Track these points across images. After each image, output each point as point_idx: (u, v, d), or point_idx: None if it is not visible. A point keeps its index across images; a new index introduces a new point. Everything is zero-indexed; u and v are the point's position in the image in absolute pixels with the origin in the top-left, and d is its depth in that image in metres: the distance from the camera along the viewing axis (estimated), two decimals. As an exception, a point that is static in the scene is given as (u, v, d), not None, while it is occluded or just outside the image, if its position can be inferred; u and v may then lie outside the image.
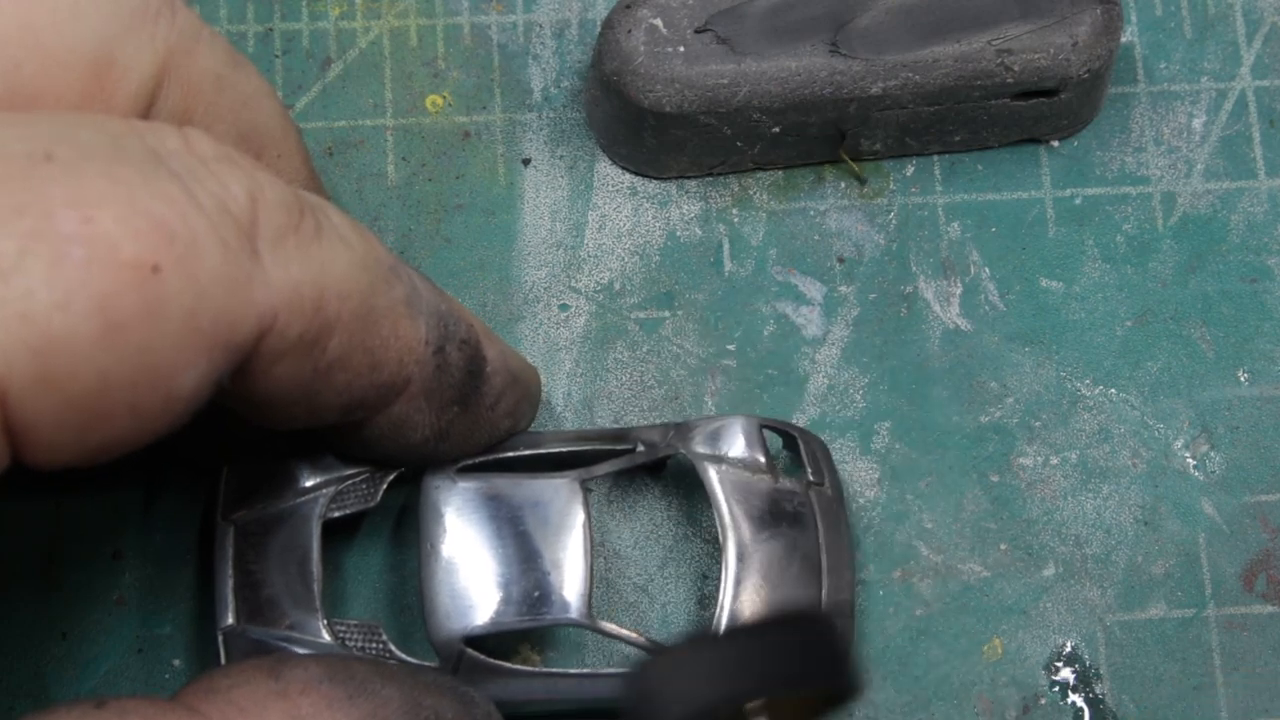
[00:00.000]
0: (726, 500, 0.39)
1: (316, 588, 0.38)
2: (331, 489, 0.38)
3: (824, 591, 0.39)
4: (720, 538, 0.38)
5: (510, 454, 0.39)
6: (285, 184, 0.30)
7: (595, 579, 0.40)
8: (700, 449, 0.39)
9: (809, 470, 0.40)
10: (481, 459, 0.39)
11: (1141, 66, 0.46)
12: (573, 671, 0.39)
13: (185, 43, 0.31)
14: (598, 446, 0.40)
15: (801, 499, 0.39)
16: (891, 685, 0.41)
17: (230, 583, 0.38)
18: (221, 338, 0.27)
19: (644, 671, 0.33)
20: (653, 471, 0.42)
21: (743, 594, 0.38)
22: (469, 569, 0.38)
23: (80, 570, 0.40)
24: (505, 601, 0.38)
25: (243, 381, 0.30)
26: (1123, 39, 0.45)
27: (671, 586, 0.42)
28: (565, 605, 0.38)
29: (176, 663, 0.40)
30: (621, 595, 0.41)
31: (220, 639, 0.38)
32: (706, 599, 0.41)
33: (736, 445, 0.39)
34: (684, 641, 0.35)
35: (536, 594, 0.38)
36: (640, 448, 0.40)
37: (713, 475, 0.39)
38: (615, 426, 0.42)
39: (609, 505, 0.42)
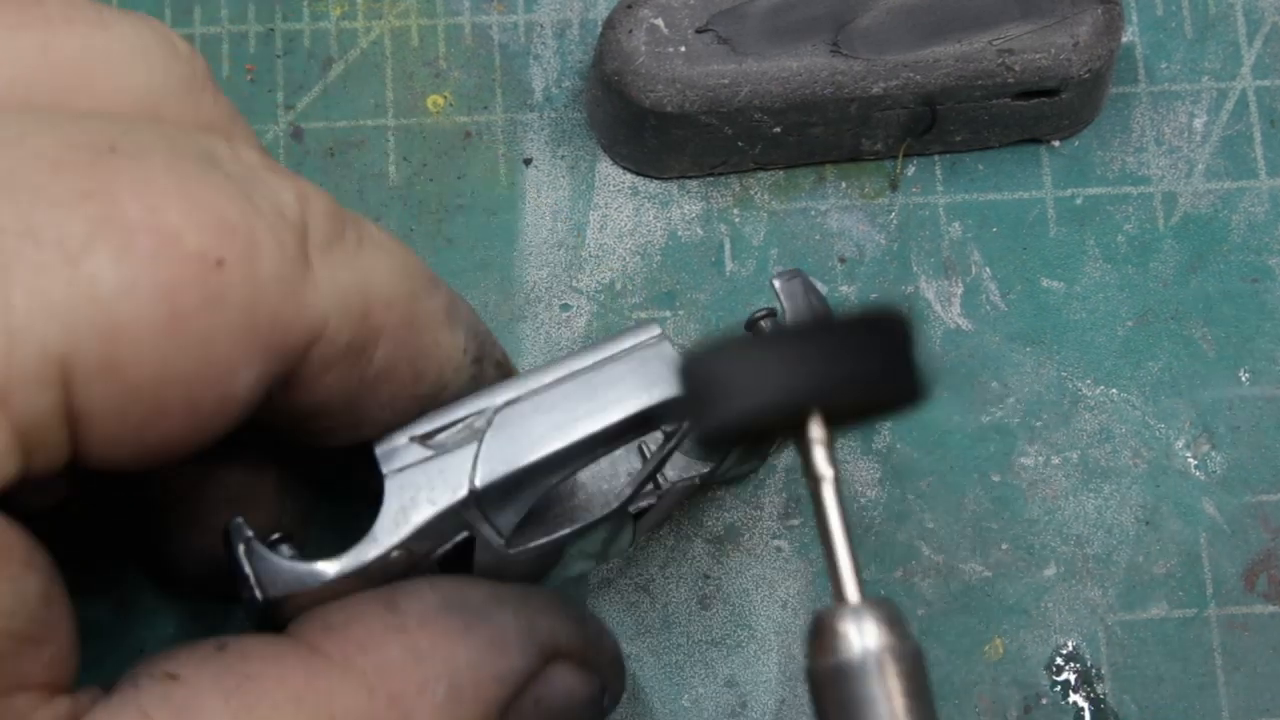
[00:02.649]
0: None
1: None
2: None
3: None
4: None
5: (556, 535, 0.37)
6: (328, 195, 0.30)
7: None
8: None
9: None
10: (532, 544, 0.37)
11: (1142, 66, 0.46)
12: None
13: (225, 125, 0.32)
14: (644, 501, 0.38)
15: None
16: (893, 685, 0.41)
17: None
18: (277, 339, 0.28)
19: (700, 363, 0.29)
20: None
21: None
22: None
23: (81, 571, 0.40)
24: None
25: (291, 392, 0.30)
26: (1124, 39, 0.45)
27: (672, 586, 0.42)
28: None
29: (178, 663, 0.40)
30: (622, 595, 0.41)
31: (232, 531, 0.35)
32: (707, 598, 0.41)
33: None
34: (745, 336, 0.30)
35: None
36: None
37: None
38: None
39: None
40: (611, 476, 0.38)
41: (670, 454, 0.37)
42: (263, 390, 0.28)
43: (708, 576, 0.42)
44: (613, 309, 0.43)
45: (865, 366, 0.30)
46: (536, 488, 0.35)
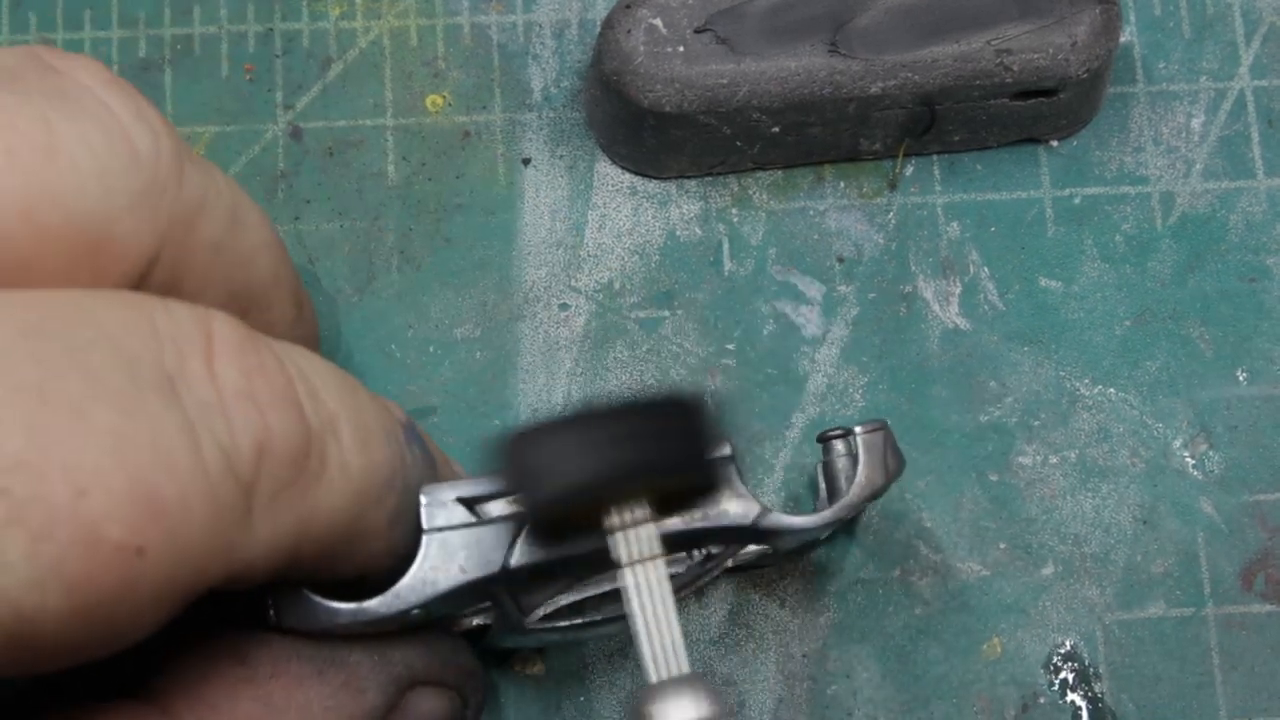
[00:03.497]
0: None
1: None
2: None
3: None
4: None
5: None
6: (298, 418, 0.28)
7: None
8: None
9: None
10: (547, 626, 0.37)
11: (1140, 66, 0.46)
12: None
13: (187, 215, 0.29)
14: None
15: None
16: (891, 684, 0.41)
17: None
18: (187, 597, 0.26)
19: (518, 442, 0.30)
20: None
21: None
22: None
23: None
24: None
25: None
26: (1121, 39, 0.45)
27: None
28: None
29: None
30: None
31: None
32: (705, 597, 0.41)
33: None
34: (562, 416, 0.31)
35: None
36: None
37: None
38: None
39: None
40: None
41: (714, 574, 0.36)
42: (164, 624, 0.27)
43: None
44: (611, 309, 0.43)
45: (669, 451, 0.30)
46: (570, 578, 0.34)
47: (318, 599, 0.33)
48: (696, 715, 0.29)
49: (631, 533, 0.31)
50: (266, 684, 0.31)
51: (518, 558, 0.33)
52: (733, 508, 0.35)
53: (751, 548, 0.38)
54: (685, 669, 0.30)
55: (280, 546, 0.28)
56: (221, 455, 0.26)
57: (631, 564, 0.31)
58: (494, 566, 0.33)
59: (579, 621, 0.37)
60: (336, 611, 0.33)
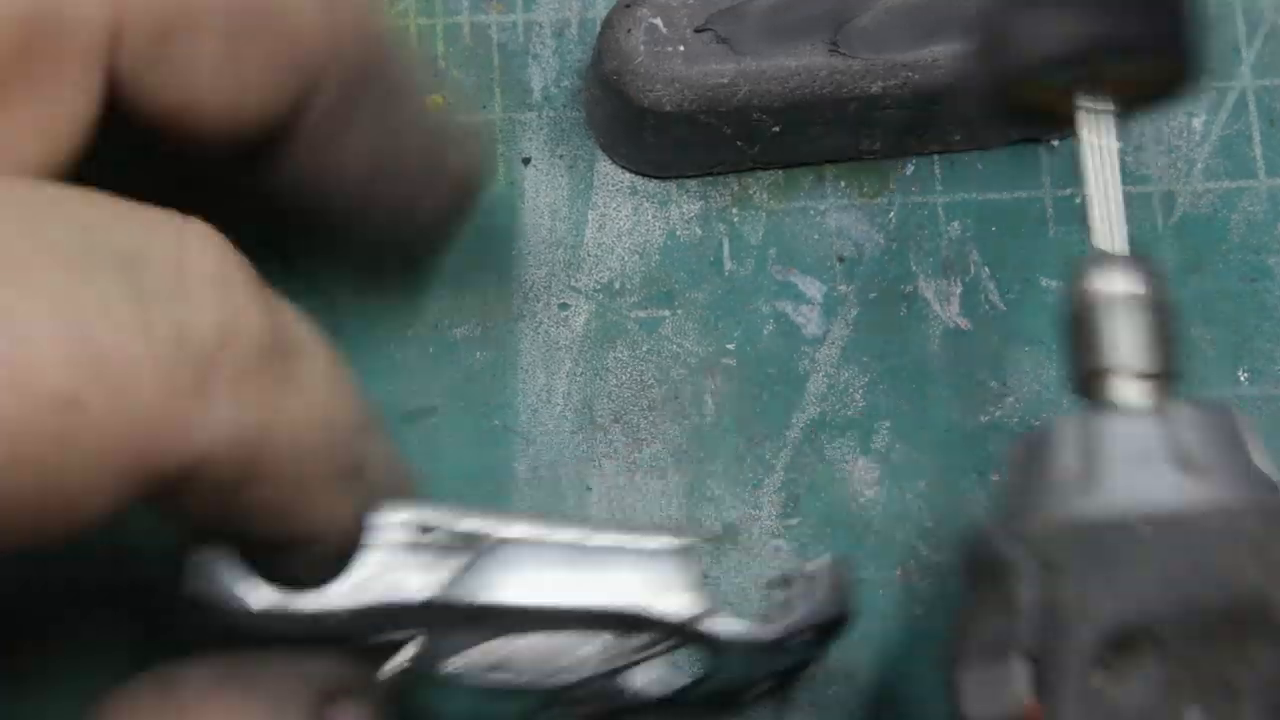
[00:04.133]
0: None
1: None
2: None
3: None
4: None
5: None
6: (270, 319, 0.28)
7: None
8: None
9: None
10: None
11: (1141, 66, 0.46)
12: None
13: None
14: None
15: None
16: (891, 685, 0.41)
17: None
18: (141, 472, 0.26)
19: (1003, 9, 0.31)
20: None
21: None
22: None
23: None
24: None
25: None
26: (1122, 39, 0.45)
27: (671, 586, 0.42)
28: None
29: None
30: (621, 594, 0.41)
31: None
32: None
33: None
34: None
35: None
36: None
37: None
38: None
39: None
40: (580, 645, 0.37)
41: (634, 664, 0.36)
42: (121, 507, 0.27)
43: (706, 576, 0.41)
44: (611, 308, 0.43)
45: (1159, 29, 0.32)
46: (497, 631, 0.34)
47: (243, 575, 0.32)
48: (1132, 290, 0.33)
49: (1096, 114, 0.34)
50: (195, 711, 0.31)
51: (447, 595, 0.33)
52: (672, 599, 0.34)
53: (667, 671, 0.37)
54: (1125, 251, 0.33)
55: (242, 442, 0.28)
56: (174, 329, 0.26)
57: (1092, 140, 0.34)
58: (423, 594, 0.33)
59: (481, 681, 0.36)
60: (259, 594, 0.32)
